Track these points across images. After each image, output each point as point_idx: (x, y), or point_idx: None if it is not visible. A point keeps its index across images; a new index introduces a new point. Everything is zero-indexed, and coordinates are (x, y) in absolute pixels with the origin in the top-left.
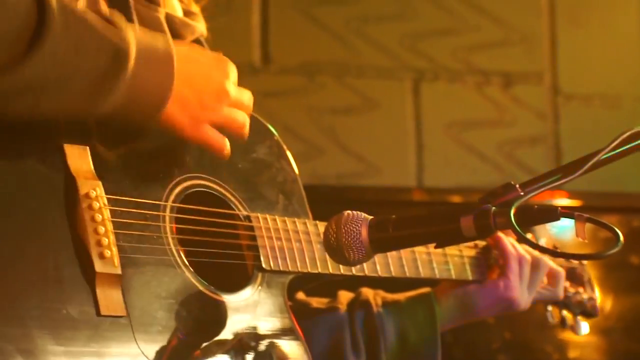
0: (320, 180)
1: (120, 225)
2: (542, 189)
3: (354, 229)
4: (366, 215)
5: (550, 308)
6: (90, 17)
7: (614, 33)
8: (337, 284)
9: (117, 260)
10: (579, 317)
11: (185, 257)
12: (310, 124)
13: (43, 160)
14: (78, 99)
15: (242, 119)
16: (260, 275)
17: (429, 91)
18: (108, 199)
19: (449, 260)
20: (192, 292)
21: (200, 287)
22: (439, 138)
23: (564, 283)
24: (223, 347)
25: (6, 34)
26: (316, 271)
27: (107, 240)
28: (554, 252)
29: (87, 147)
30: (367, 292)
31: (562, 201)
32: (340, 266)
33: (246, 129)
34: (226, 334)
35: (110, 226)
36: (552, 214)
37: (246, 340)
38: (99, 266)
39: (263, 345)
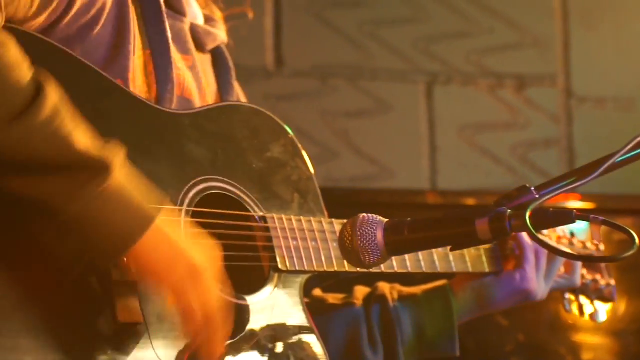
0: (334, 184)
1: None
2: (558, 192)
3: (370, 232)
4: (381, 218)
5: (567, 296)
6: (79, 132)
7: (627, 36)
8: (354, 278)
9: (133, 267)
10: (597, 304)
11: None
12: (323, 127)
13: None
14: (41, 191)
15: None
16: (276, 275)
17: (442, 94)
18: None
19: (465, 254)
20: None
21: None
22: (452, 141)
23: (582, 270)
24: (240, 349)
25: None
26: (332, 270)
27: None
28: (569, 255)
29: None
30: (384, 286)
31: (576, 203)
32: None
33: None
34: (243, 336)
35: None
36: (568, 216)
37: (263, 342)
38: (115, 274)
39: (280, 346)
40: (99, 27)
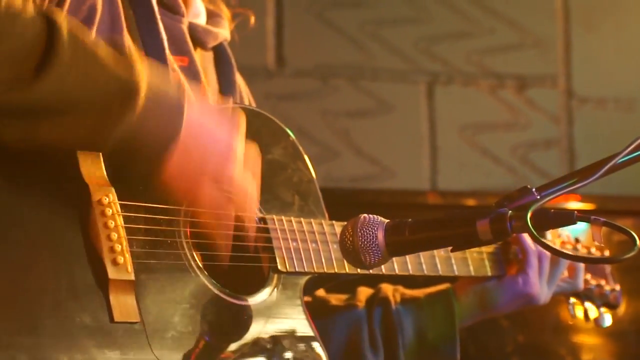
0: (335, 183)
1: (134, 231)
2: (559, 193)
3: (370, 233)
4: (382, 219)
5: (572, 301)
6: (101, 51)
7: (628, 37)
8: (357, 280)
9: (130, 267)
10: (602, 309)
11: (201, 261)
12: (324, 127)
13: (56, 168)
14: (81, 129)
15: (247, 181)
16: (276, 276)
17: (443, 94)
18: (121, 205)
19: (468, 257)
20: (207, 296)
21: (216, 291)
22: (453, 141)
23: (586, 275)
24: (239, 350)
25: (14, 52)
26: (332, 271)
27: (120, 246)
28: (571, 256)
29: (100, 154)
30: (387, 289)
31: (576, 204)
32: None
33: (250, 194)
34: (242, 337)
35: (123, 232)
36: (569, 217)
37: (263, 343)
38: (112, 272)
39: (280, 347)
40: (94, 28)
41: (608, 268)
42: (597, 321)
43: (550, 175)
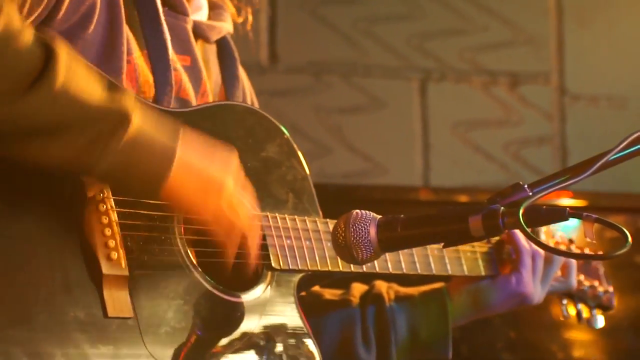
0: (327, 179)
1: (128, 227)
2: (551, 190)
3: (362, 228)
4: (375, 215)
5: (565, 302)
6: (95, 80)
7: (621, 34)
8: (351, 279)
9: (124, 262)
10: (595, 311)
11: (195, 257)
12: (317, 123)
13: None
14: (69, 152)
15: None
16: (269, 274)
17: (436, 91)
18: (115, 200)
19: (462, 256)
20: (200, 293)
21: (209, 287)
22: (445, 138)
23: (579, 277)
24: (232, 346)
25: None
26: (326, 269)
27: (114, 242)
28: (562, 252)
29: None
30: (381, 286)
31: (568, 201)
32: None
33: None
34: (235, 334)
35: (117, 228)
36: (561, 214)
37: (256, 340)
38: (106, 268)
39: (273, 344)
40: (92, 27)
41: (602, 269)
42: (590, 322)
43: (542, 172)
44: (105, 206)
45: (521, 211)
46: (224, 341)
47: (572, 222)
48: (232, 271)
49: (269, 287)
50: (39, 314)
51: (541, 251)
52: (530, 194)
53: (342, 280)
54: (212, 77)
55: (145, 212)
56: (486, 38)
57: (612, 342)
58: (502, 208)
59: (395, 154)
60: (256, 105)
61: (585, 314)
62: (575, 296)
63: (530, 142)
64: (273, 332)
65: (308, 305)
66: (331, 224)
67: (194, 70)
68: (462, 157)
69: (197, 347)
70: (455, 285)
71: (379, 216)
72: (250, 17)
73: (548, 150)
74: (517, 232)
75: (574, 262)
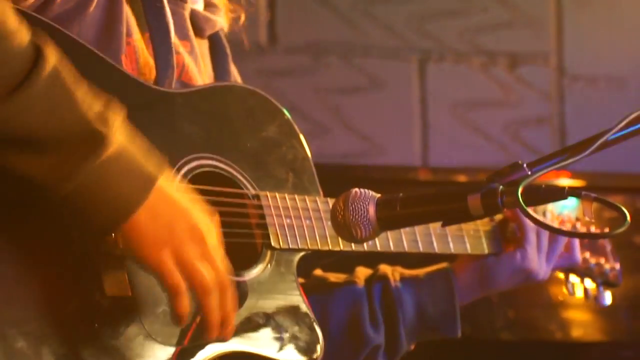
0: (326, 159)
1: None
2: (550, 169)
3: (362, 207)
4: (374, 193)
5: (572, 279)
6: (79, 95)
7: (620, 15)
8: (354, 261)
9: (121, 241)
10: (602, 287)
11: None
12: (316, 104)
13: None
14: (37, 169)
15: (210, 278)
16: (269, 253)
17: (435, 71)
18: None
19: (465, 235)
20: None
21: None
22: (444, 118)
23: (585, 254)
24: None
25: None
26: (327, 248)
27: None
28: (561, 231)
29: None
30: (385, 268)
31: (566, 181)
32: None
33: (211, 300)
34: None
35: None
36: (559, 193)
37: (255, 318)
38: (104, 246)
39: (272, 323)
40: (92, 7)
41: (609, 246)
42: (597, 300)
43: (541, 152)
44: None
45: (520, 190)
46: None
47: (573, 203)
48: (230, 250)
49: (269, 266)
50: (34, 293)
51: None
52: (529, 173)
53: (344, 262)
54: (206, 72)
55: None
56: (485, 19)
57: (611, 322)
58: (501, 187)
59: (394, 134)
60: None
61: (592, 291)
62: (582, 273)
63: (529, 123)
64: (273, 312)
65: (313, 288)
66: (331, 203)
67: (193, 56)
68: (460, 137)
69: (196, 326)
70: (461, 264)
71: (378, 195)
72: (243, 17)
73: (547, 131)
74: (526, 221)
75: (575, 243)
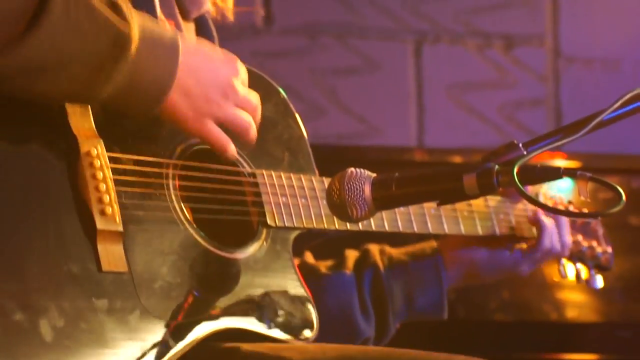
0: (322, 140)
1: (122, 183)
2: (545, 148)
3: (357, 187)
4: (369, 173)
5: (564, 262)
6: (92, 1)
7: None
8: (343, 238)
9: (118, 217)
10: (594, 271)
11: (190, 214)
12: (311, 85)
13: (45, 120)
14: (76, 83)
15: (248, 120)
16: (265, 231)
17: (430, 53)
18: (109, 157)
19: (459, 216)
20: (195, 248)
21: (204, 243)
22: (440, 100)
23: (577, 237)
24: (226, 302)
25: (6, 12)
26: (322, 227)
27: (108, 197)
28: (558, 211)
29: (89, 106)
30: (374, 250)
31: (561, 162)
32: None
33: (252, 132)
34: (230, 290)
35: (111, 184)
36: (555, 172)
37: (251, 296)
38: (100, 223)
39: (268, 300)
40: None
41: (601, 230)
42: (589, 283)
43: (536, 134)
44: (99, 162)
45: (515, 169)
46: (218, 298)
47: (567, 184)
48: (226, 228)
49: (264, 244)
50: (32, 267)
51: (558, 248)
52: (525, 152)
53: (333, 242)
54: None
55: (139, 168)
56: (481, 0)
57: (606, 303)
58: (497, 166)
59: (389, 115)
60: None
61: (584, 274)
62: (574, 256)
63: (525, 104)
64: (268, 289)
65: (304, 281)
66: (327, 182)
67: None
68: (456, 118)
69: (192, 303)
70: (450, 250)
71: (374, 174)
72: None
73: (542, 112)
74: (548, 225)
75: (564, 224)
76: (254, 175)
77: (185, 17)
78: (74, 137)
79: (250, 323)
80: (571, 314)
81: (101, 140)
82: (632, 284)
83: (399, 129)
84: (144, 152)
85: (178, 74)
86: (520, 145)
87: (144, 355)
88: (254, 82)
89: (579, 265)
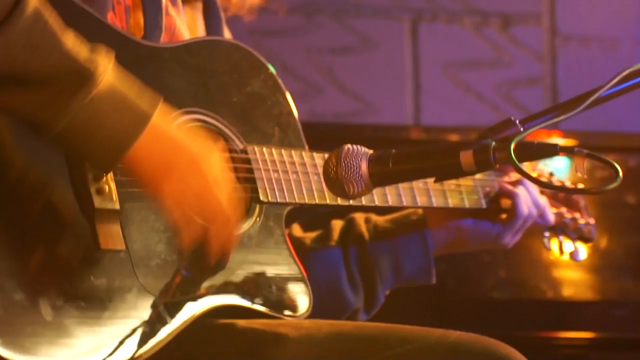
0: (318, 119)
1: None
2: (542, 125)
3: (354, 163)
4: (366, 150)
5: (547, 234)
6: (65, 37)
7: None
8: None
9: (115, 196)
10: (577, 243)
11: None
12: (308, 64)
13: None
14: (30, 105)
15: (210, 210)
16: (258, 207)
17: (427, 31)
18: None
19: (446, 190)
20: None
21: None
22: (436, 78)
23: (561, 209)
24: (222, 278)
25: None
26: (314, 202)
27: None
28: (555, 187)
29: None
30: (359, 220)
31: (558, 140)
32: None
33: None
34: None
35: None
36: (552, 149)
37: (245, 273)
38: (97, 201)
39: (262, 276)
40: None
41: (583, 202)
42: (572, 255)
43: (533, 113)
44: None
45: (512, 146)
46: (213, 273)
47: (563, 164)
48: None
49: (257, 220)
50: (30, 246)
51: (534, 213)
52: (522, 129)
53: (321, 216)
54: (198, 36)
55: None
56: None
57: (602, 281)
58: (494, 143)
59: (386, 94)
60: None
61: (568, 246)
62: (557, 228)
63: (521, 83)
64: (262, 265)
65: None
66: (317, 157)
67: (182, 20)
68: (453, 97)
69: (188, 279)
70: (435, 217)
71: (371, 151)
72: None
73: (539, 91)
74: (520, 195)
75: (534, 188)
76: (245, 151)
77: None
78: None
79: (244, 300)
80: (567, 292)
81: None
82: (628, 262)
83: (396, 108)
84: None
85: (145, 135)
86: (517, 122)
87: (142, 332)
88: (242, 58)
89: (562, 238)
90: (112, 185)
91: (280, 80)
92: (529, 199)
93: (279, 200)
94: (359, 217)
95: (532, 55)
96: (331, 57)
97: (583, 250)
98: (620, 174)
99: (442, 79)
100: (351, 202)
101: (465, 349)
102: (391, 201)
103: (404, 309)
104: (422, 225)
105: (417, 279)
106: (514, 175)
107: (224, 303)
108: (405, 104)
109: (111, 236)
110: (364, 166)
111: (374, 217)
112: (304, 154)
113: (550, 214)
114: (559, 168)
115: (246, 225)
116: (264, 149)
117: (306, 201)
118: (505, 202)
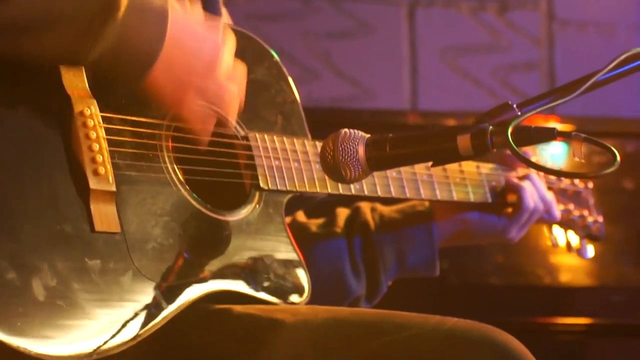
0: (315, 104)
1: (115, 143)
2: (540, 109)
3: (351, 147)
4: (363, 134)
5: (555, 231)
6: None
7: None
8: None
9: (111, 177)
10: (585, 240)
11: (183, 175)
12: (305, 48)
13: (39, 80)
14: (62, 44)
15: (233, 91)
16: (257, 194)
17: (424, 16)
18: (103, 117)
19: (451, 182)
20: (188, 210)
21: (197, 205)
22: (433, 63)
23: (569, 205)
24: (218, 264)
25: None
26: (314, 191)
27: (101, 157)
28: (552, 171)
29: (83, 67)
30: (365, 209)
31: (555, 125)
32: (339, 186)
33: (234, 105)
34: (223, 252)
35: (104, 144)
36: (549, 133)
37: (243, 259)
38: (93, 183)
39: (259, 263)
40: None
41: (592, 200)
42: (580, 252)
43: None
44: (92, 122)
45: (510, 130)
46: (210, 260)
47: (560, 149)
48: (219, 190)
49: (257, 207)
50: (25, 227)
51: (540, 207)
52: (519, 113)
53: (326, 205)
54: None
55: (133, 128)
56: None
57: (599, 267)
58: (491, 127)
59: (383, 78)
60: None
61: (575, 243)
62: (565, 225)
63: (519, 68)
64: (260, 252)
65: (294, 238)
66: (319, 145)
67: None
68: (450, 82)
69: (184, 263)
70: (442, 212)
71: (368, 135)
72: None
73: (536, 76)
74: (526, 189)
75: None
76: (246, 138)
77: None
78: (68, 97)
79: (241, 286)
80: (565, 278)
81: (94, 101)
82: (625, 248)
83: (393, 92)
84: (137, 112)
85: (165, 41)
86: (515, 106)
87: (136, 316)
88: (247, 45)
89: (570, 234)
90: (109, 167)
91: (284, 68)
92: (536, 194)
93: (279, 187)
94: (365, 205)
95: (529, 40)
96: (328, 41)
97: (591, 249)
98: (618, 158)
99: (439, 63)
100: (352, 190)
101: (462, 336)
102: (394, 192)
103: (401, 295)
104: (429, 216)
105: (420, 270)
106: (521, 170)
107: (221, 288)
108: (403, 88)
109: (106, 218)
110: (361, 150)
111: (380, 207)
112: (306, 142)
113: (557, 210)
114: (556, 154)
115: (246, 212)
116: (266, 136)
117: (307, 189)
118: (511, 196)
